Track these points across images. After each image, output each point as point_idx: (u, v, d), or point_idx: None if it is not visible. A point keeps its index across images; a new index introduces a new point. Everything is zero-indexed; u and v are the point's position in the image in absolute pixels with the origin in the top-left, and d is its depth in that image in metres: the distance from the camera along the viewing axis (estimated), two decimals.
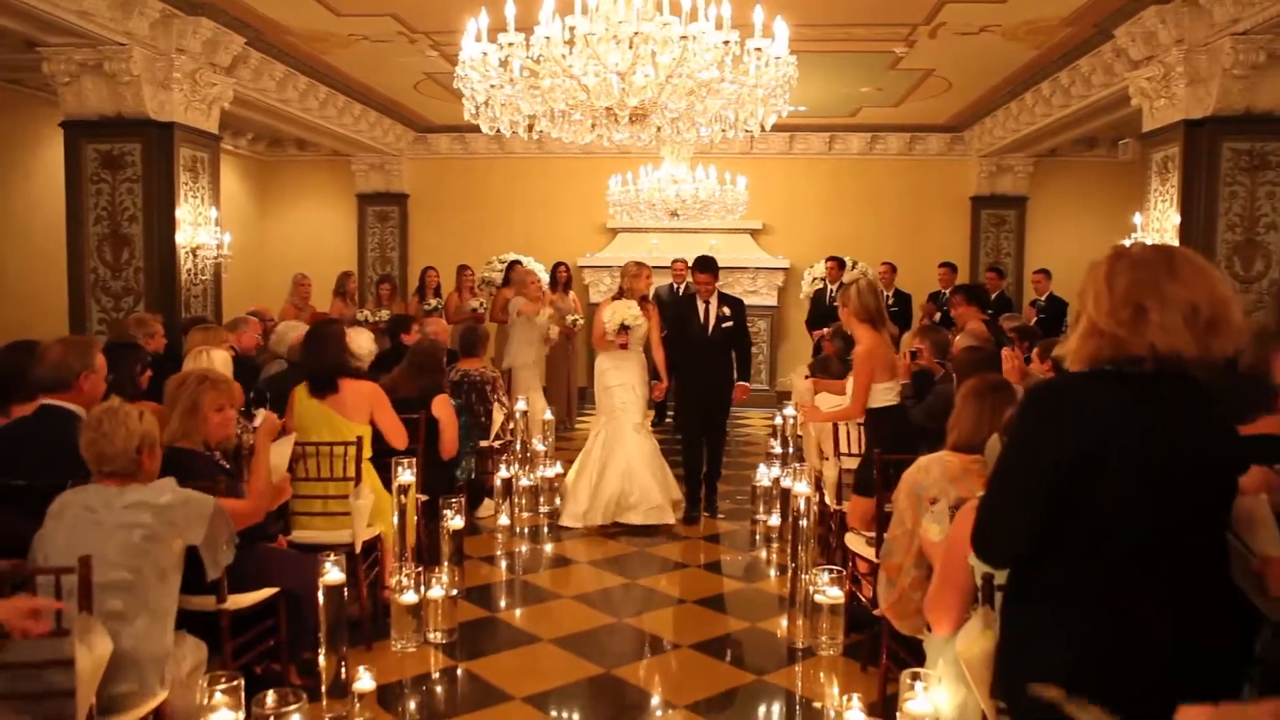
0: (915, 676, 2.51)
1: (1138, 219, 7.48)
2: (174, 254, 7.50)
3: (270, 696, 2.79)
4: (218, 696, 2.72)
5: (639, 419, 6.59)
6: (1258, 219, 6.70)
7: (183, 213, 7.56)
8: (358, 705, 3.55)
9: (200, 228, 7.75)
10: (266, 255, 12.54)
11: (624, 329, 6.42)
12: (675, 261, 9.75)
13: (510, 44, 3.86)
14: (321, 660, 3.63)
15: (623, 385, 6.52)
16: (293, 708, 2.81)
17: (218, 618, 3.33)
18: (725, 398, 6.77)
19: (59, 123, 7.45)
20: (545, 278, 10.07)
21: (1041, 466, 1.84)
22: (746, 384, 6.96)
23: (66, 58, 6.99)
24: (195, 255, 7.76)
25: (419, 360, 5.41)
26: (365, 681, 3.56)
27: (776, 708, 3.92)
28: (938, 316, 9.54)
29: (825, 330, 9.01)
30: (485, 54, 3.93)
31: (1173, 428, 1.81)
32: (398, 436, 4.72)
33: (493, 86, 3.97)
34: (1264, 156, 6.61)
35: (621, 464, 6.40)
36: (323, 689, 3.62)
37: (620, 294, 6.64)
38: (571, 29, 3.91)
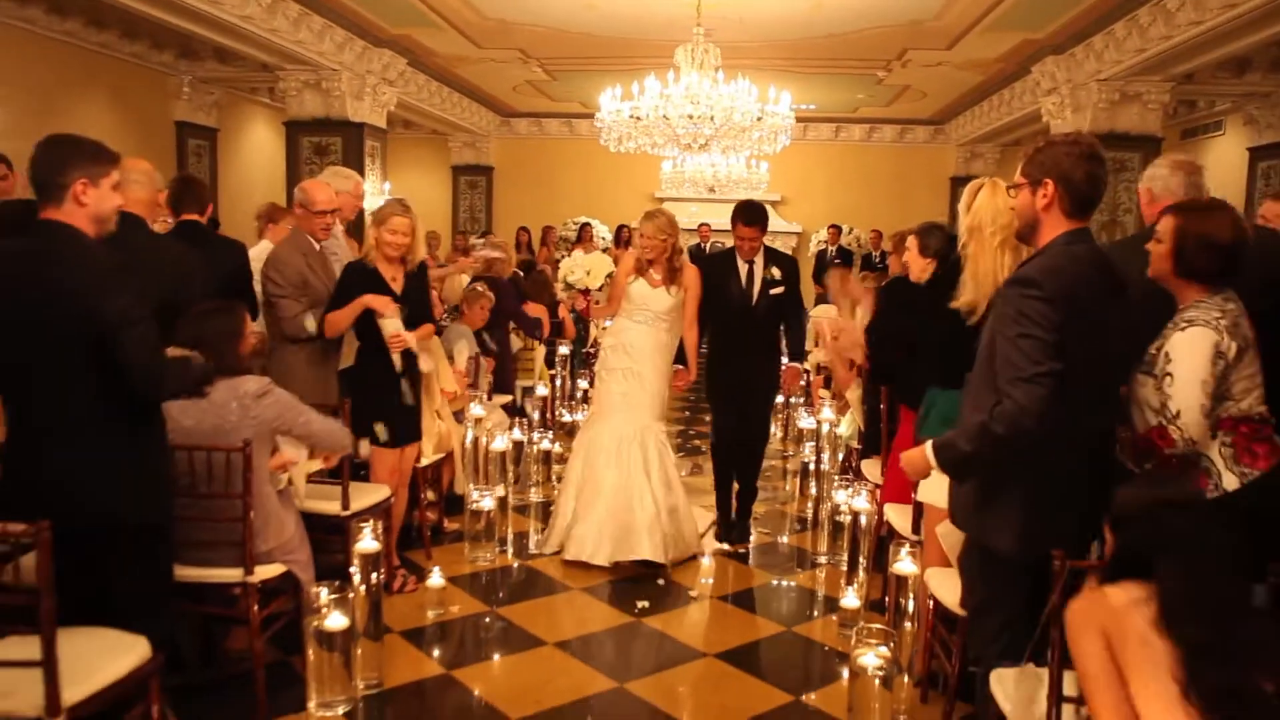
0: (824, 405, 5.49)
1: None
2: (361, 216, 10.60)
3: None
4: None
5: (647, 419, 4.84)
6: (1118, 205, 9.65)
7: (366, 186, 10.66)
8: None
9: (377, 198, 10.86)
10: None
11: (579, 291, 4.56)
12: (701, 225, 12.29)
13: (635, 105, 6.94)
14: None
15: (628, 371, 4.86)
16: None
17: None
18: (770, 389, 5.35)
19: (283, 122, 10.57)
20: (610, 237, 13.12)
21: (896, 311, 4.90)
22: (798, 365, 5.47)
23: (295, 78, 10.08)
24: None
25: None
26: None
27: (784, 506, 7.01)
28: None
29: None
30: (620, 110, 7.01)
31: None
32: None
33: (622, 129, 7.06)
34: (1123, 163, 9.56)
35: (607, 490, 4.73)
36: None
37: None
38: (666, 96, 6.99)
